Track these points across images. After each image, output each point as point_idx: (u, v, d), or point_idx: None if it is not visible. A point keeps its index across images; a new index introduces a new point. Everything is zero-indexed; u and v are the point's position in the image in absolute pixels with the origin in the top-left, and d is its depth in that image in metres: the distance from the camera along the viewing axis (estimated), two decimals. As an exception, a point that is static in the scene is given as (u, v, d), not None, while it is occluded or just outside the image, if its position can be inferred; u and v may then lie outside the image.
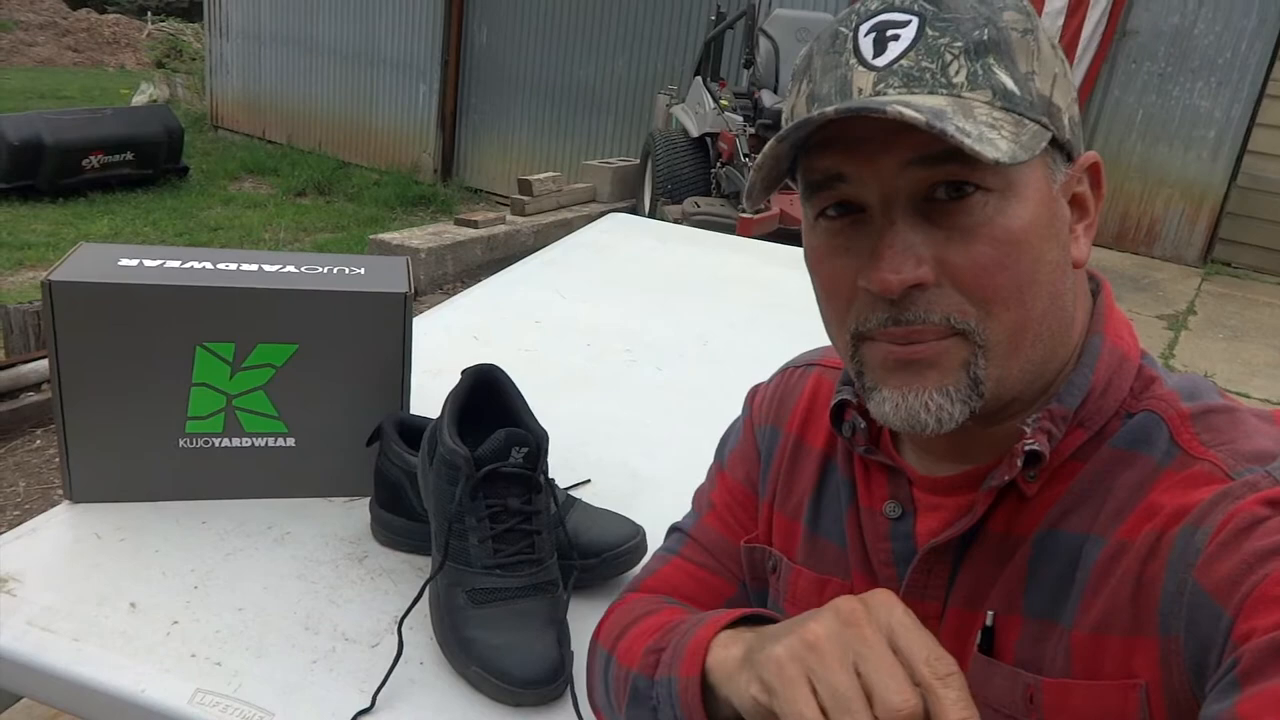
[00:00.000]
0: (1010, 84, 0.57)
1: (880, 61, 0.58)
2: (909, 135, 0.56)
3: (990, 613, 0.64)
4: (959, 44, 0.57)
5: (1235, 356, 4.66)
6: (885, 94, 0.57)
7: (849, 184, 0.60)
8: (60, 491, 1.07)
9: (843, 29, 0.61)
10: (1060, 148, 0.61)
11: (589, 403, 1.45)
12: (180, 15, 16.50)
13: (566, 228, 5.38)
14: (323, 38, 8.85)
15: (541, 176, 6.36)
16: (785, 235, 4.21)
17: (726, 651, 0.62)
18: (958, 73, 0.57)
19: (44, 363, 3.23)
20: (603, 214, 2.56)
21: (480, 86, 8.16)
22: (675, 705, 0.65)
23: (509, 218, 6.02)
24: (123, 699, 0.82)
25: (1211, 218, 6.17)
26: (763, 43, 5.61)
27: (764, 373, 0.88)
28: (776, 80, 5.57)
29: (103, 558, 0.99)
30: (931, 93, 0.57)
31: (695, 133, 5.59)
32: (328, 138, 8.94)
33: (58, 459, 1.04)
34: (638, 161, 6.63)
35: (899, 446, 0.71)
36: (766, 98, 5.35)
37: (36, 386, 3.29)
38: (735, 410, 0.90)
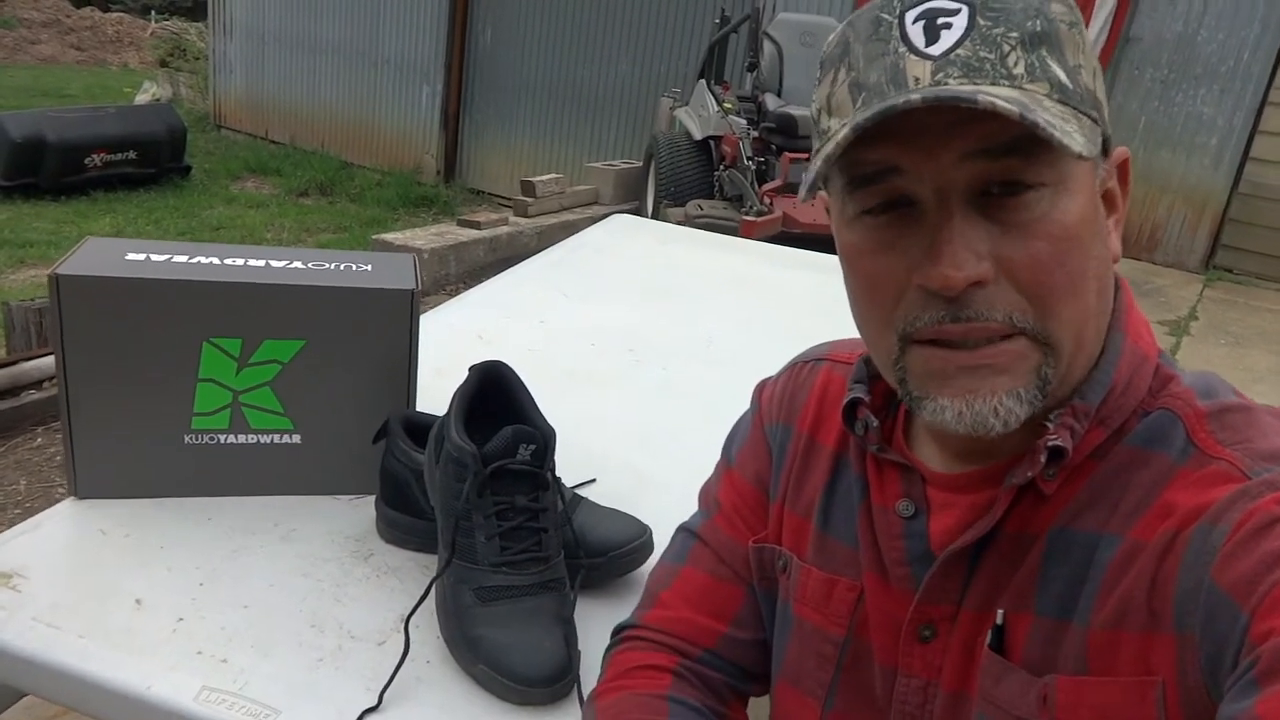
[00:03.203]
0: (1064, 77, 0.57)
1: (935, 50, 0.56)
2: (974, 126, 0.55)
3: (1001, 611, 0.63)
4: (1014, 34, 0.56)
5: (1237, 363, 4.66)
6: (946, 83, 0.55)
7: (903, 177, 0.58)
8: (62, 489, 1.06)
9: (885, 15, 0.59)
10: (1105, 142, 0.60)
11: (594, 402, 1.44)
12: (184, 14, 16.50)
13: (569, 229, 5.37)
14: (326, 38, 8.85)
15: (544, 178, 6.36)
16: (788, 238, 4.21)
17: None
18: (1016, 64, 0.56)
19: (45, 360, 3.23)
20: (605, 216, 2.55)
21: (484, 88, 8.16)
22: None
23: (512, 219, 6.02)
24: (128, 696, 0.82)
25: (1214, 224, 6.18)
26: (766, 46, 5.61)
27: (768, 373, 0.88)
28: (780, 84, 5.57)
29: (108, 554, 0.98)
30: (994, 83, 0.55)
31: (698, 136, 5.59)
32: (331, 138, 8.94)
33: (59, 457, 1.04)
34: (641, 164, 6.63)
35: (912, 444, 0.71)
36: (770, 101, 5.35)
37: (38, 384, 3.28)
38: (740, 409, 0.89)
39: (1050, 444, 0.60)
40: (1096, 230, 0.60)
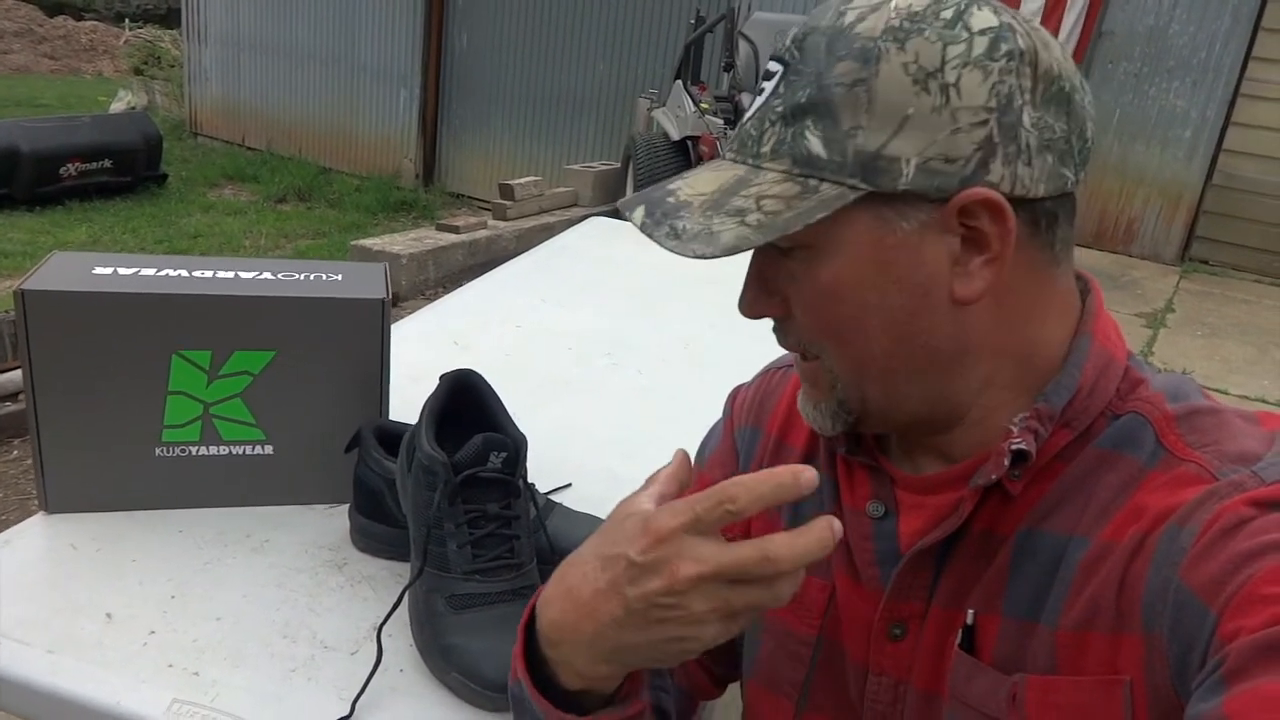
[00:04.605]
0: (818, 148, 0.59)
1: (745, 118, 0.64)
2: None
3: (971, 611, 0.64)
4: (780, 108, 0.61)
5: (1213, 354, 4.70)
6: (725, 155, 0.65)
7: None
8: (37, 502, 1.06)
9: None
10: (900, 197, 0.58)
11: (570, 406, 1.44)
12: (158, 22, 16.40)
13: (548, 232, 5.36)
14: (302, 43, 8.81)
15: (523, 181, 6.35)
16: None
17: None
18: (767, 142, 0.61)
19: (19, 373, 3.20)
20: (584, 218, 2.55)
21: (461, 92, 8.15)
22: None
23: (490, 222, 6.01)
24: (99, 710, 0.81)
25: (1188, 216, 6.24)
26: (742, 46, 5.63)
27: (745, 376, 0.89)
28: (756, 83, 5.57)
29: (78, 568, 0.98)
30: (744, 162, 0.63)
31: (676, 136, 5.60)
32: (308, 144, 8.90)
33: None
34: (619, 165, 6.63)
35: (882, 446, 0.72)
36: (746, 101, 5.37)
37: (14, 396, 3.26)
38: (717, 413, 0.90)
39: (1013, 447, 0.61)
40: (886, 282, 0.60)
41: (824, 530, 0.52)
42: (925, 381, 0.63)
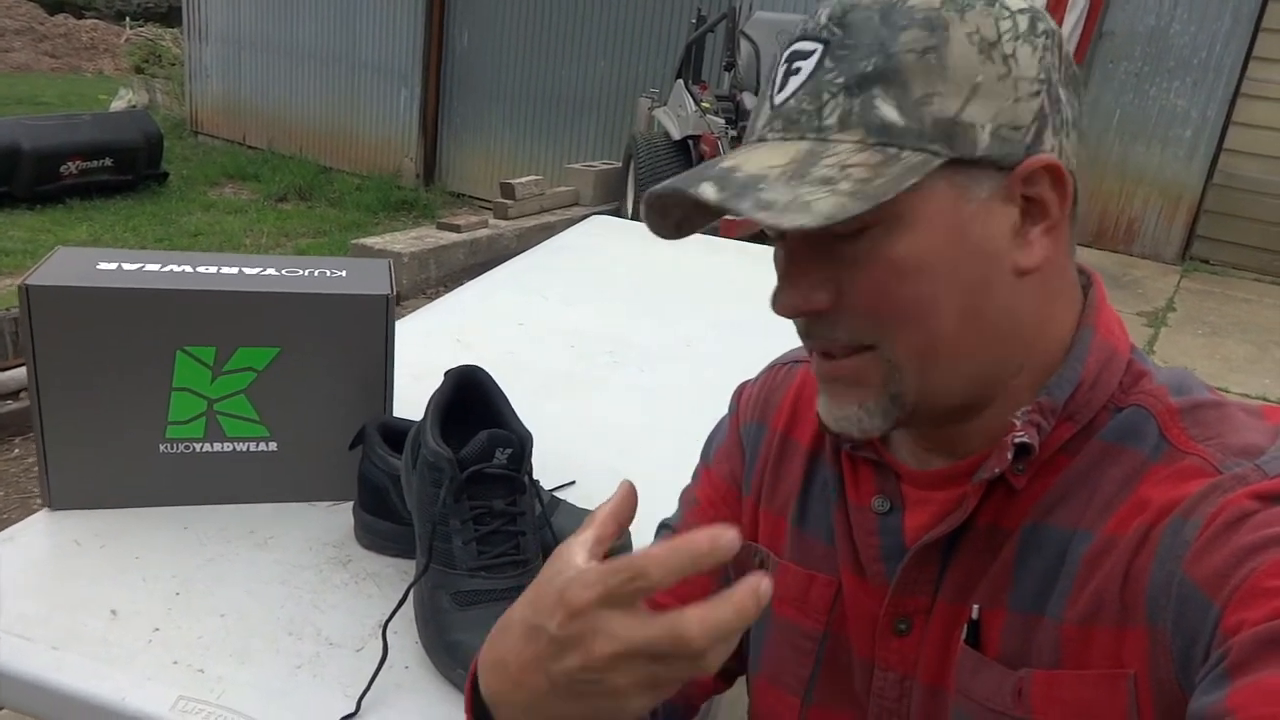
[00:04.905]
0: (893, 116, 0.58)
1: (780, 98, 0.61)
2: None
3: (976, 606, 0.64)
4: (840, 80, 0.59)
5: (1214, 352, 4.71)
6: (767, 138, 0.61)
7: None
8: (38, 500, 1.06)
9: (780, 51, 0.63)
10: (976, 164, 0.59)
11: (573, 405, 1.44)
12: (159, 20, 16.41)
13: (549, 231, 5.36)
14: (303, 42, 8.81)
15: (524, 180, 6.35)
16: (767, 237, 4.22)
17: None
18: (830, 114, 0.59)
19: (21, 370, 3.20)
20: (585, 217, 2.55)
21: (462, 90, 8.15)
22: None
23: (491, 221, 6.01)
24: (104, 707, 0.81)
25: (1189, 215, 6.24)
26: (744, 45, 5.63)
27: (747, 373, 0.88)
28: (758, 82, 5.59)
29: (82, 564, 0.98)
30: (801, 138, 0.60)
31: (677, 135, 5.60)
32: (309, 143, 8.90)
33: (37, 468, 1.03)
34: (620, 165, 6.63)
35: (886, 441, 0.72)
36: (748, 100, 5.38)
37: (15, 395, 3.26)
38: (719, 410, 0.90)
39: (1016, 441, 0.61)
40: (963, 255, 0.59)
41: (745, 599, 0.48)
42: (980, 363, 0.62)
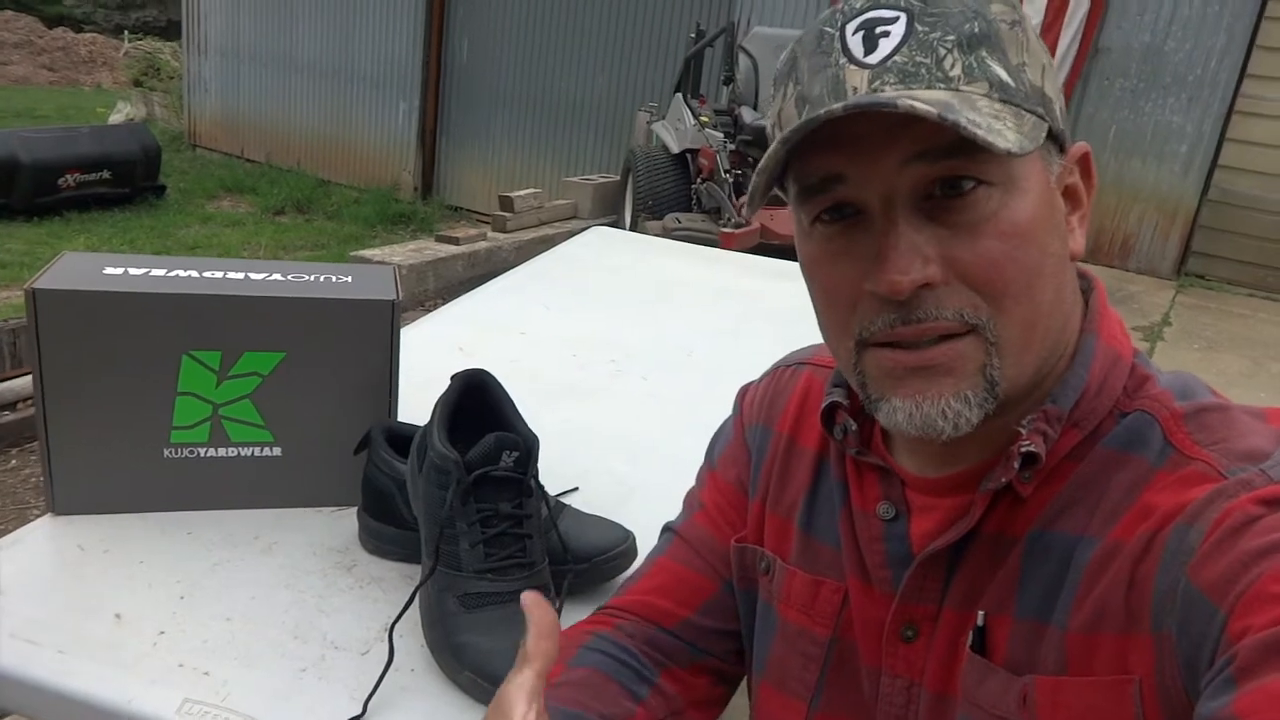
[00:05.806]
0: (1005, 75, 0.57)
1: (873, 59, 0.57)
2: (910, 130, 0.56)
3: (982, 613, 0.64)
4: (951, 38, 0.57)
5: (1210, 367, 4.71)
6: (882, 90, 0.56)
7: (848, 185, 0.59)
8: (36, 511, 1.05)
9: (828, 29, 0.60)
10: (1054, 139, 0.61)
11: (575, 412, 1.44)
12: (158, 33, 16.45)
13: (548, 244, 5.37)
14: (302, 55, 8.84)
15: (522, 193, 6.37)
16: (766, 249, 4.23)
17: None
18: (953, 66, 0.57)
19: (18, 382, 3.20)
20: (584, 230, 2.56)
21: (461, 103, 8.17)
22: None
23: (490, 234, 6.02)
24: (109, 711, 0.81)
25: (1184, 231, 6.26)
26: (742, 60, 5.66)
27: (748, 381, 0.89)
28: (756, 97, 5.62)
29: (87, 569, 0.97)
30: (929, 87, 0.56)
31: (676, 149, 5.62)
32: (307, 156, 8.92)
33: (34, 479, 1.03)
34: (618, 178, 6.65)
35: (891, 448, 0.72)
36: (746, 114, 5.39)
37: (12, 405, 3.25)
38: (720, 417, 0.90)
39: (1023, 449, 0.60)
40: (1052, 227, 0.60)
41: None
42: (1048, 348, 0.62)
